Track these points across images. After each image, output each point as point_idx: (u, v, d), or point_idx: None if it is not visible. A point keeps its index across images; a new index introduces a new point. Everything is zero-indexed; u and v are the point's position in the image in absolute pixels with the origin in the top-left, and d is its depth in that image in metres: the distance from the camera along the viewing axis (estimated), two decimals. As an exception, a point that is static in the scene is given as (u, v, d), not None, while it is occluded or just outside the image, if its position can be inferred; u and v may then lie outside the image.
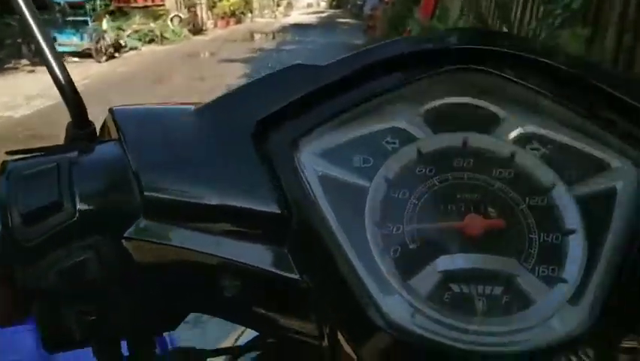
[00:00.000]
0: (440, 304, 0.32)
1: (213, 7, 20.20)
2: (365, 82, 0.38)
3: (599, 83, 0.37)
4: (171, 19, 15.32)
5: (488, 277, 0.32)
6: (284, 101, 0.36)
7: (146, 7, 15.13)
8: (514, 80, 0.38)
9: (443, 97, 0.38)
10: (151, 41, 13.54)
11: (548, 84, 0.37)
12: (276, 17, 31.21)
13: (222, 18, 20.61)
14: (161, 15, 15.22)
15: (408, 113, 0.37)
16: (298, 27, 21.09)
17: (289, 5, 49.29)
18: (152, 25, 13.58)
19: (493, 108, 0.38)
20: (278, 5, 38.99)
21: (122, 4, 14.60)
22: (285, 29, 19.80)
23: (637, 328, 0.35)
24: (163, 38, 13.89)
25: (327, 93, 0.37)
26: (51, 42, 0.39)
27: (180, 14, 15.66)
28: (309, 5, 57.13)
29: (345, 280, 0.32)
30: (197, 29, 17.35)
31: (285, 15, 34.34)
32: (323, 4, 53.25)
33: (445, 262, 0.33)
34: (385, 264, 0.32)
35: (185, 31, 15.43)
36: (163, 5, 15.52)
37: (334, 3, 47.32)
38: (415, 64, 0.38)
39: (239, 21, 23.21)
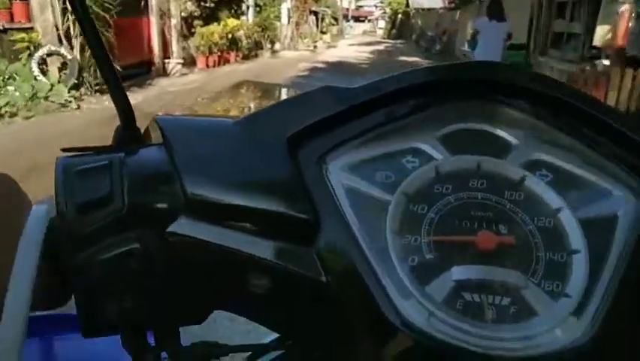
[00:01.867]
0: (453, 310, 0.34)
1: (188, 35, 11.56)
2: (389, 105, 0.40)
3: (606, 118, 0.39)
4: (40, 63, 6.78)
5: (498, 288, 0.34)
6: (315, 118, 0.39)
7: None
8: (527, 111, 0.41)
9: (460, 123, 0.41)
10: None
11: (557, 116, 0.40)
12: (315, 48, 22.70)
13: (209, 53, 11.94)
14: (27, 50, 6.76)
15: (427, 136, 0.40)
16: (338, 71, 12.39)
17: (339, 33, 40.92)
18: None
19: (506, 136, 0.40)
20: (322, 32, 30.47)
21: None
22: (312, 76, 11.16)
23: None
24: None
25: (355, 113, 0.39)
26: (108, 55, 0.41)
27: (64, 51, 6.99)
28: (365, 33, 48.86)
29: (366, 284, 0.34)
30: (145, 76, 8.86)
31: (330, 46, 25.67)
32: (380, 32, 44.72)
33: (459, 272, 0.34)
34: (404, 271, 0.34)
35: (65, 93, 6.63)
36: (31, 30, 7.00)
37: (394, 32, 38.61)
38: (436, 91, 0.41)
39: (247, 56, 14.74)
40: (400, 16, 37.01)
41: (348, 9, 47.75)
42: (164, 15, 10.57)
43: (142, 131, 0.45)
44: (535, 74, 0.41)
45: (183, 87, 9.19)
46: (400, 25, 36.60)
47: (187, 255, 0.37)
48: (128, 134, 0.43)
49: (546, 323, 0.33)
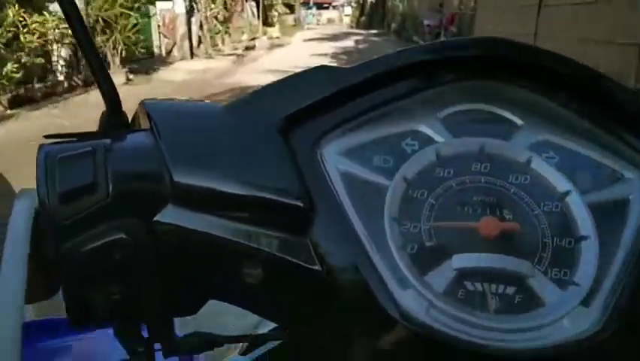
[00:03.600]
0: (454, 300, 0.32)
1: None
2: (387, 85, 0.38)
3: (617, 97, 0.37)
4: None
5: (501, 276, 0.33)
6: (309, 100, 0.37)
7: None
8: (532, 90, 0.38)
9: (463, 103, 0.38)
10: None
11: (565, 95, 0.38)
12: (249, 51, 14.29)
13: None
14: None
15: (428, 118, 0.37)
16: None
17: (297, 23, 32.34)
18: None
19: (511, 116, 0.38)
20: (267, 24, 21.89)
21: None
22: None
23: None
24: None
25: (351, 94, 0.37)
26: (91, 40, 0.39)
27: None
28: (329, 21, 40.50)
29: (363, 274, 0.32)
30: None
31: (276, 45, 17.21)
32: (347, 20, 36.42)
33: (461, 260, 0.33)
34: (402, 259, 0.33)
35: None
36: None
37: (363, 19, 30.34)
38: (437, 70, 0.38)
39: (52, 92, 6.29)
40: (370, -1, 28.74)
41: (308, -6, 39.25)
42: None
43: (130, 116, 0.42)
44: (539, 49, 0.38)
45: None
46: (371, 11, 28.34)
47: (176, 244, 0.35)
48: (114, 119, 0.40)
49: (553, 313, 0.32)
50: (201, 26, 12.17)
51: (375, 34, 21.52)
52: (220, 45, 14.47)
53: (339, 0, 43.89)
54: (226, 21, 17.08)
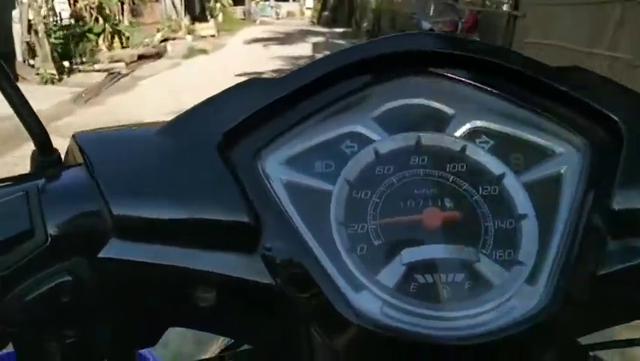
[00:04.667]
0: (407, 295, 0.32)
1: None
2: (321, 90, 0.38)
3: (540, 76, 0.38)
4: None
5: (450, 265, 0.33)
6: (245, 114, 0.36)
7: None
8: (461, 79, 0.39)
9: (395, 99, 0.39)
10: None
11: (491, 79, 0.39)
12: (147, 58, 9.04)
13: None
14: None
15: (364, 118, 0.38)
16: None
17: (247, 17, 26.88)
18: None
19: (443, 107, 0.39)
20: (200, 19, 16.42)
21: None
22: None
23: (593, 305, 0.35)
24: None
25: (286, 104, 0.37)
26: (8, 73, 0.37)
27: None
28: (290, 14, 35.10)
29: (315, 280, 0.32)
30: None
31: (197, 49, 11.76)
32: (308, 14, 31.16)
33: (409, 255, 0.33)
34: (353, 261, 0.33)
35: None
36: None
37: (325, 14, 25.19)
38: (367, 70, 0.39)
39: None
40: (334, -10, 23.54)
41: (265, -17, 33.71)
42: None
43: (65, 152, 0.41)
44: (461, 39, 0.39)
45: None
46: (335, 4, 23.19)
47: (124, 278, 0.34)
48: (46, 157, 0.40)
49: (501, 294, 0.32)
50: (30, 28, 6.73)
51: (340, 35, 16.42)
52: (105, 51, 9.12)
53: (300, -9, 38.68)
54: (136, 15, 11.60)
